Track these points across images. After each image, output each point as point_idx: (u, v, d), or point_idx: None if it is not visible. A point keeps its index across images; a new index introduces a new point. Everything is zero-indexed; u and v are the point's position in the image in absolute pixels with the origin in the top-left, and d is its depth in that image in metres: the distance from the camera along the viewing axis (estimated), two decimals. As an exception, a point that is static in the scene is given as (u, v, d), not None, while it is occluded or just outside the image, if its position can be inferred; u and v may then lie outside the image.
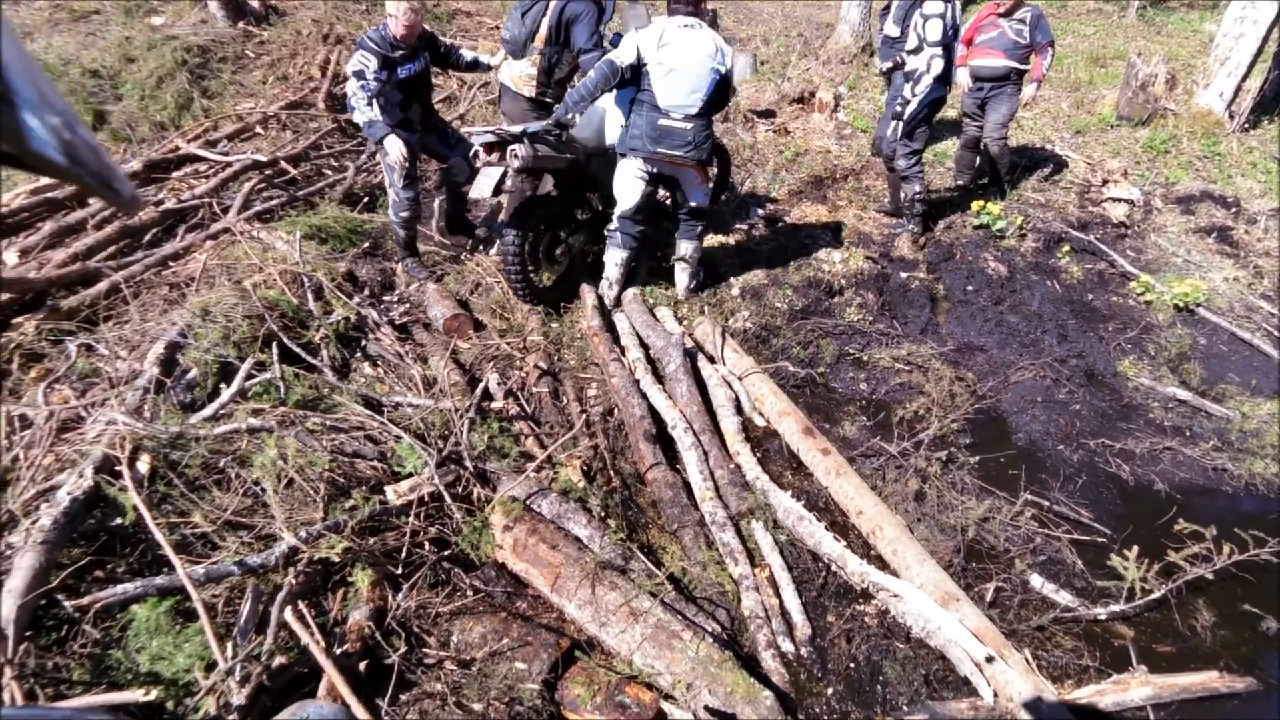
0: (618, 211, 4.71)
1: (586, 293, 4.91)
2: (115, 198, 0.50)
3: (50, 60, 6.93)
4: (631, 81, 4.34)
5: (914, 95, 5.52)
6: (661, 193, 5.04)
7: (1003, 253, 6.05)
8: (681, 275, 5.11)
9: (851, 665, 2.88)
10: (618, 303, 5.02)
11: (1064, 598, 3.15)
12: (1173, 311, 5.45)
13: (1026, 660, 2.76)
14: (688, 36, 4.22)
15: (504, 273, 4.75)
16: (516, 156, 4.19)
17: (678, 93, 4.26)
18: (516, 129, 4.33)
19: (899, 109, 5.67)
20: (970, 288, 5.60)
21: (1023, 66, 6.22)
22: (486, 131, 4.28)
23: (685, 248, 4.97)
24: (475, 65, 5.24)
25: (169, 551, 2.56)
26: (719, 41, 4.31)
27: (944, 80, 5.54)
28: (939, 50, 5.35)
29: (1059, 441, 4.16)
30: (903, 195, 6.12)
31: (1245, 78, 8.36)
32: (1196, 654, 2.99)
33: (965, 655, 2.75)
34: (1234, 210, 7.10)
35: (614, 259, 4.88)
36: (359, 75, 4.46)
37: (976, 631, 2.75)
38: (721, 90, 4.37)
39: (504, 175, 4.31)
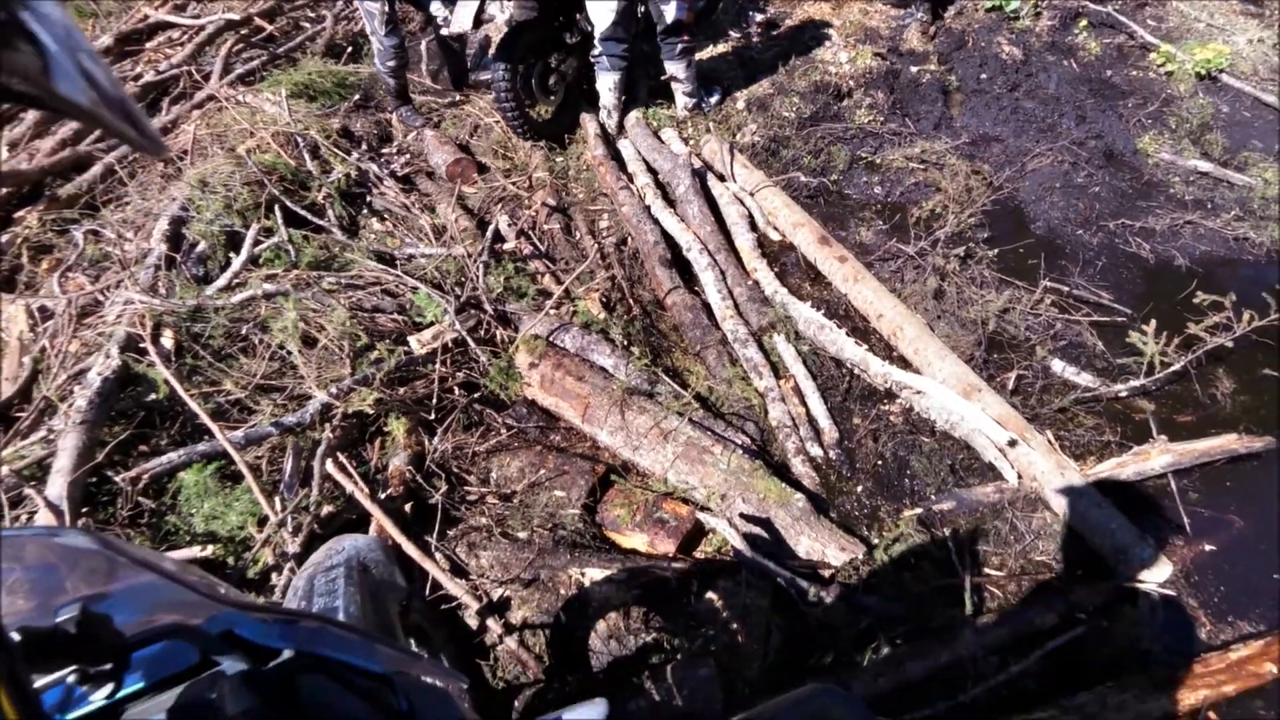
0: (598, 33, 4.46)
1: (588, 121, 4.74)
2: (140, 140, 0.49)
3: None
4: None
5: None
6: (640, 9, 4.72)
7: (1017, 35, 5.69)
8: (678, 94, 4.91)
9: (879, 463, 2.99)
10: (620, 129, 4.86)
11: (1085, 379, 3.20)
12: (1194, 81, 5.16)
13: (1049, 441, 2.84)
14: None
15: (499, 109, 4.57)
16: None
17: None
18: None
19: None
20: (984, 76, 5.32)
21: None
22: None
23: (674, 68, 4.74)
24: None
25: (205, 419, 2.65)
26: None
27: None
28: None
29: (1078, 226, 4.08)
30: None
31: None
32: (1216, 421, 3.05)
33: (989, 442, 2.85)
34: (1264, -37, 6.56)
35: (606, 84, 4.68)
36: None
37: (999, 419, 2.82)
38: None
39: (482, 3, 4.11)
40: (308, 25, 6.03)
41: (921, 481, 2.89)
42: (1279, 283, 3.31)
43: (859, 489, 2.91)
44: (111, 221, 3.83)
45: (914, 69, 5.39)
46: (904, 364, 3.24)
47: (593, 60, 4.66)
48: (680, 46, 4.61)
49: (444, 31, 4.61)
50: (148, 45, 5.49)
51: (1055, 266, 3.78)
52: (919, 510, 2.74)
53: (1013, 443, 2.74)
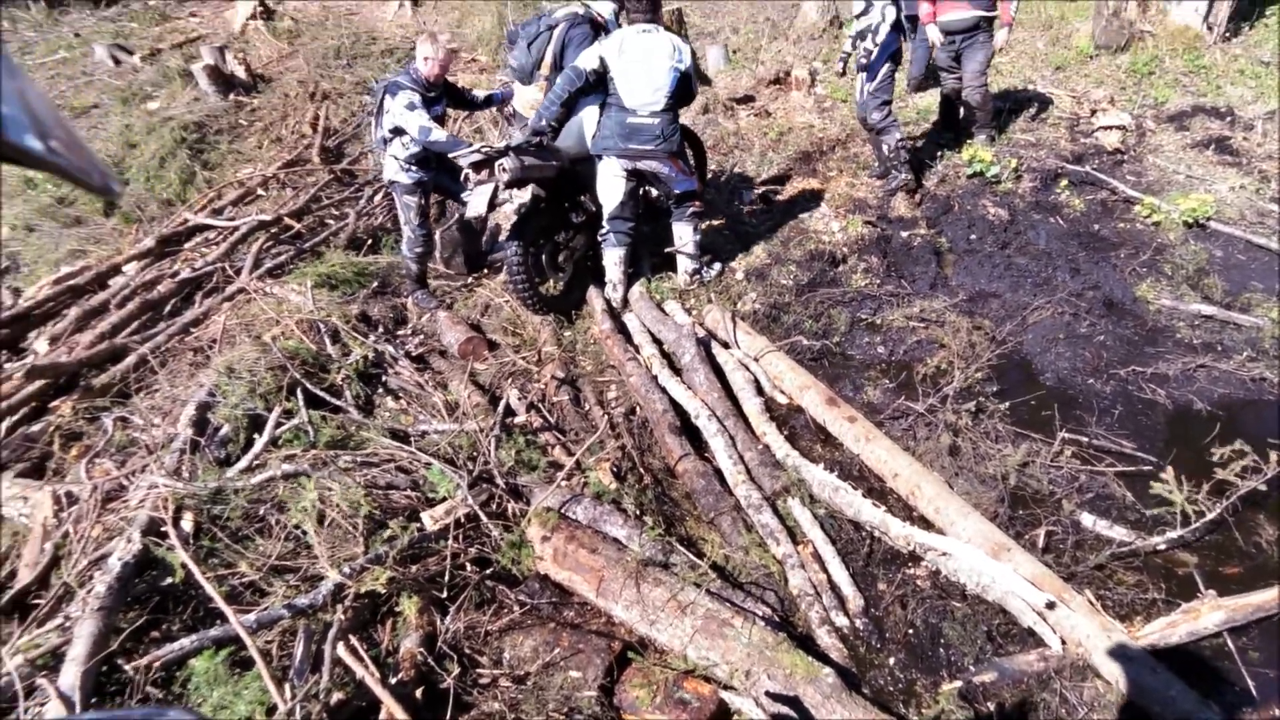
0: (605, 213, 4.83)
1: (594, 297, 4.92)
2: (93, 184, 0.50)
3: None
4: (598, 88, 4.56)
5: (875, 45, 5.59)
6: (654, 193, 5.12)
7: (1001, 197, 5.98)
8: (683, 261, 5.13)
9: (910, 631, 2.85)
10: (625, 302, 5.04)
11: (1118, 533, 3.09)
12: (1183, 229, 5.35)
13: (1090, 601, 2.71)
14: (646, 40, 4.47)
15: (511, 285, 4.82)
16: (504, 170, 4.33)
17: (642, 92, 4.48)
18: (500, 145, 4.51)
19: (863, 62, 5.71)
20: (973, 236, 5.54)
21: (991, 14, 6.14)
22: (472, 151, 4.47)
23: (682, 231, 5.01)
24: (490, 101, 5.43)
25: (220, 603, 2.61)
26: (676, 41, 4.53)
27: (898, 29, 5.63)
28: (886, 3, 5.49)
29: (1088, 375, 4.10)
30: (885, 149, 6.09)
31: (1217, -12, 8.22)
32: (1265, 571, 2.92)
33: (1025, 605, 2.71)
34: (1229, 120, 6.97)
35: (612, 259, 4.95)
36: (412, 106, 4.63)
37: (1033, 579, 2.71)
38: (684, 86, 4.57)
39: (495, 190, 4.44)
40: (332, 222, 6.43)
41: (958, 651, 2.74)
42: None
43: (891, 660, 2.75)
44: (141, 408, 3.94)
45: (904, 234, 5.62)
46: (925, 524, 3.16)
47: (600, 238, 4.95)
48: (690, 210, 4.94)
49: (465, 215, 4.88)
50: (186, 245, 5.86)
51: (1071, 417, 3.76)
52: (959, 683, 2.57)
53: (1051, 605, 2.61)
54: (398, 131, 4.78)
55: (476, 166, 4.43)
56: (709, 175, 6.18)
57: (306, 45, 9.12)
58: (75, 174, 0.47)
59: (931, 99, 7.81)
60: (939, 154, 6.68)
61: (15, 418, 4.01)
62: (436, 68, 4.74)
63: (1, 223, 6.00)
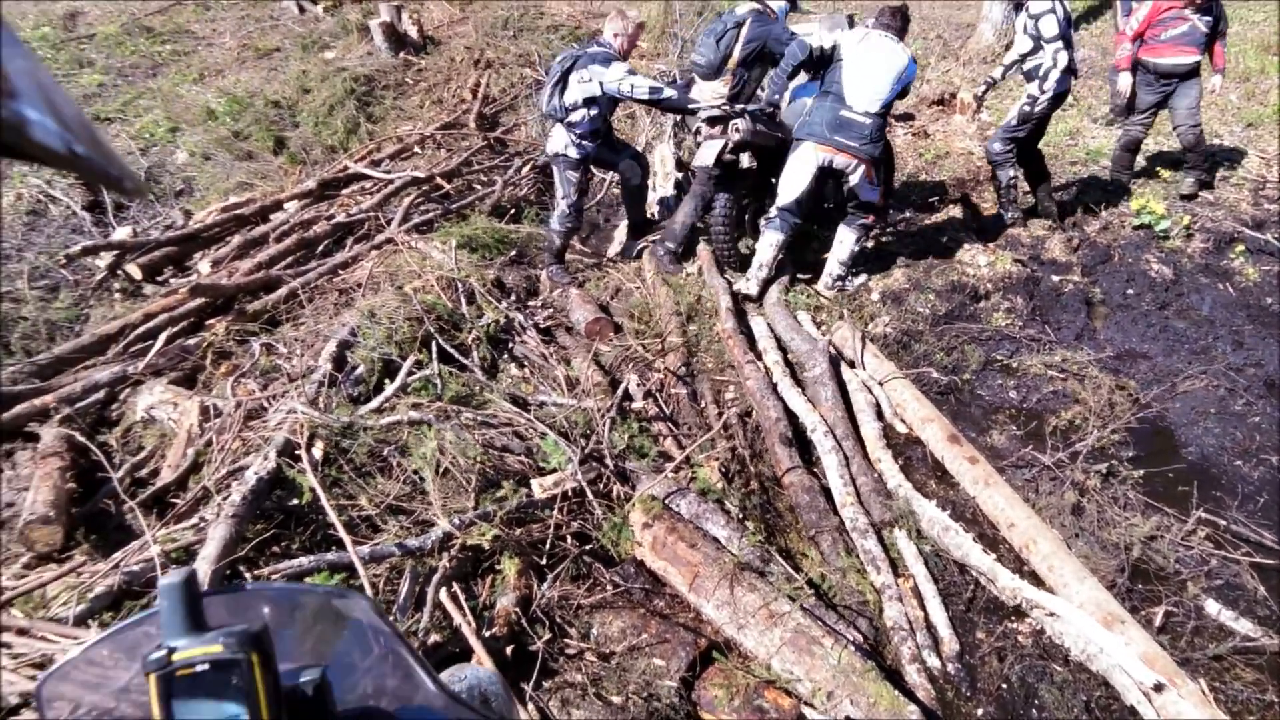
0: (779, 202, 4.94)
1: (720, 294, 4.92)
2: (117, 185, 0.50)
3: (239, 93, 7.64)
4: (818, 67, 4.75)
5: (1043, 92, 5.43)
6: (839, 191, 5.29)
7: (1167, 254, 5.63)
8: (832, 265, 5.17)
9: (1003, 686, 2.77)
10: (764, 287, 5.12)
11: (1244, 626, 2.90)
12: (1367, 314, 4.92)
13: (1202, 691, 2.56)
14: (887, 44, 4.67)
15: (713, 234, 5.21)
16: (738, 130, 4.69)
17: (864, 91, 4.62)
18: (738, 107, 4.87)
19: (1027, 108, 5.54)
20: (1131, 291, 5.25)
21: (1201, 57, 5.86)
22: (712, 107, 4.87)
23: (845, 236, 5.06)
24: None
25: (340, 530, 2.77)
26: (911, 58, 4.73)
27: (1070, 72, 5.44)
28: (1059, 44, 5.29)
29: (1236, 456, 3.84)
30: (1000, 181, 5.94)
31: None
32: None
33: (1131, 682, 2.59)
34: None
35: (770, 240, 5.03)
36: (632, 72, 4.87)
37: (1145, 657, 2.58)
38: (899, 98, 4.81)
39: (724, 147, 4.79)
40: (479, 187, 6.66)
41: (1051, 715, 2.64)
42: None
43: (979, 712, 2.68)
44: (287, 338, 4.22)
45: (1056, 278, 5.39)
46: (1036, 581, 3.04)
47: (764, 220, 5.14)
48: (861, 221, 5.04)
49: (695, 164, 5.27)
50: (343, 191, 6.21)
51: (1210, 497, 3.54)
52: (1048, 748, 2.49)
53: (1160, 687, 2.48)
54: (589, 103, 4.92)
55: (711, 121, 4.75)
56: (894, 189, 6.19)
57: (478, 13, 9.40)
58: (97, 173, 0.47)
59: (1104, 141, 7.45)
60: (1106, 201, 6.35)
61: (175, 329, 4.32)
62: (627, 43, 4.97)
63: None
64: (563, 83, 4.95)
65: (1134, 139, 6.44)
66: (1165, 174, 6.65)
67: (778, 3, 5.42)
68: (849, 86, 4.61)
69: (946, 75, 9.26)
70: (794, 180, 4.85)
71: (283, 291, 4.64)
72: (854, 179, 4.81)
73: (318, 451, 3.23)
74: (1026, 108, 5.52)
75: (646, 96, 4.85)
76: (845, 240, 5.06)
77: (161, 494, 3.19)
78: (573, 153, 5.08)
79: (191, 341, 4.22)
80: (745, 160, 5.08)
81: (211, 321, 4.40)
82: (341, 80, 7.75)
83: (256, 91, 7.78)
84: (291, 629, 0.83)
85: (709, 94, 5.32)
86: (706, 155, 4.84)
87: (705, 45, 5.41)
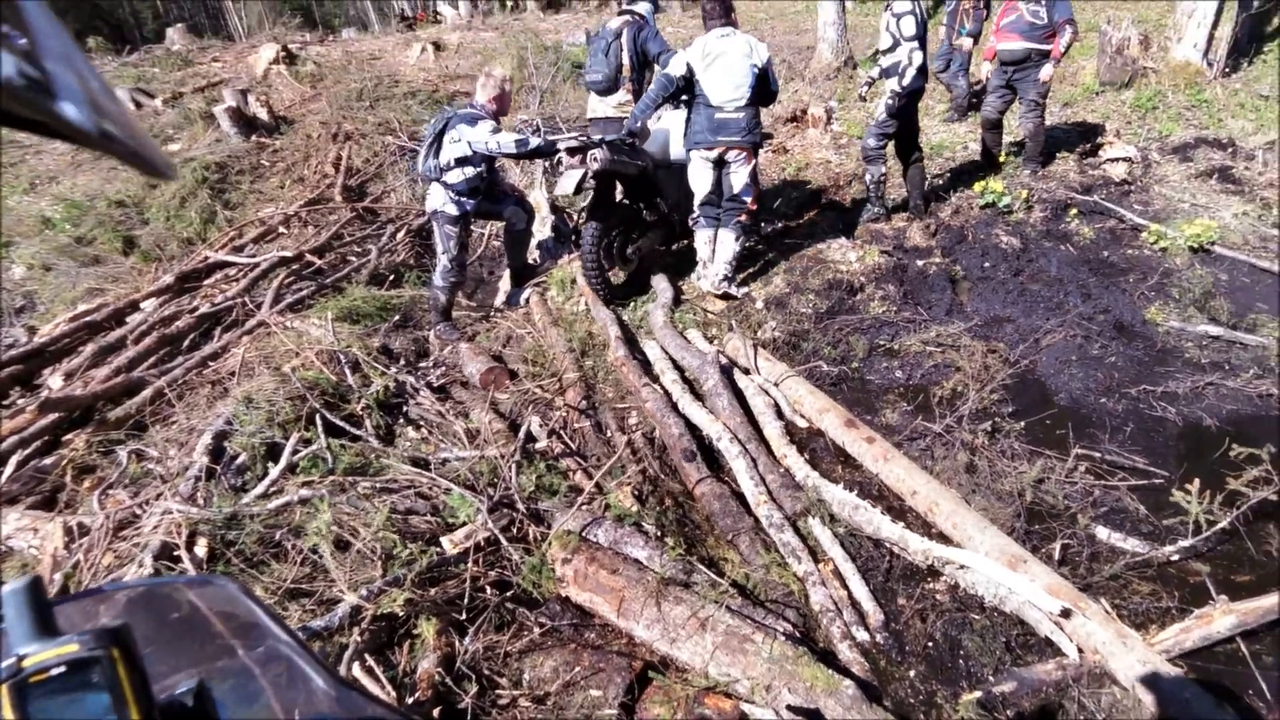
0: (696, 200, 5.27)
1: (609, 325, 4.97)
2: (148, 167, 0.49)
3: (76, 198, 7.27)
4: (687, 92, 5.00)
5: (901, 88, 5.71)
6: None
7: (1013, 226, 6.06)
8: (718, 266, 5.35)
9: (930, 644, 2.85)
10: (727, 282, 5.41)
11: (1132, 544, 3.10)
12: (1189, 254, 5.42)
13: (1105, 610, 2.71)
14: (725, 43, 4.88)
15: (582, 264, 5.29)
16: (595, 160, 4.82)
17: (725, 89, 4.88)
18: (597, 137, 5.06)
19: (890, 102, 5.83)
20: (987, 264, 5.60)
21: (1044, 47, 6.29)
22: (570, 138, 5.07)
23: (725, 237, 5.27)
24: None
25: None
26: (753, 41, 4.95)
27: (923, 73, 5.76)
28: (915, 44, 5.59)
29: (1101, 395, 4.13)
30: (868, 177, 6.27)
31: (1215, 26, 8.40)
32: (1275, 577, 2.92)
33: (1042, 615, 2.72)
34: (1230, 150, 7.10)
35: (703, 239, 5.39)
36: (496, 130, 4.93)
37: (1049, 589, 2.71)
38: (762, 82, 4.96)
39: (584, 176, 4.91)
40: (354, 259, 6.54)
41: (977, 662, 2.73)
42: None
43: (911, 673, 2.74)
44: (157, 440, 3.98)
45: (920, 262, 5.69)
46: (944, 539, 3.16)
47: (691, 223, 5.43)
48: (737, 219, 5.24)
49: (554, 192, 5.48)
50: (206, 282, 5.96)
51: (1084, 435, 3.78)
52: (979, 694, 2.56)
53: (1067, 613, 2.61)
54: (462, 162, 4.96)
55: (571, 151, 4.90)
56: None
57: (329, 88, 9.36)
58: (129, 156, 0.47)
59: (944, 137, 7.99)
60: (954, 187, 6.79)
61: (27, 451, 4.02)
62: (497, 103, 5.07)
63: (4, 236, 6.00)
64: (437, 143, 4.99)
65: (986, 117, 6.92)
66: (1008, 161, 7.18)
67: (643, 6, 5.86)
68: (711, 90, 4.90)
69: (796, 94, 9.76)
70: (700, 181, 5.18)
71: (147, 393, 4.39)
72: (736, 170, 5.10)
73: (201, 549, 3.06)
74: (890, 102, 5.80)
75: (514, 150, 4.92)
76: (726, 241, 5.28)
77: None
78: (451, 209, 5.10)
79: (48, 461, 3.95)
80: (615, 190, 5.30)
81: (69, 437, 4.13)
82: (191, 171, 7.52)
83: (97, 193, 7.45)
84: (160, 638, 0.79)
85: (614, 104, 5.81)
86: (566, 184, 4.98)
87: (596, 62, 5.80)
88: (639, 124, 5.11)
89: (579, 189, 4.99)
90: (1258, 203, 6.13)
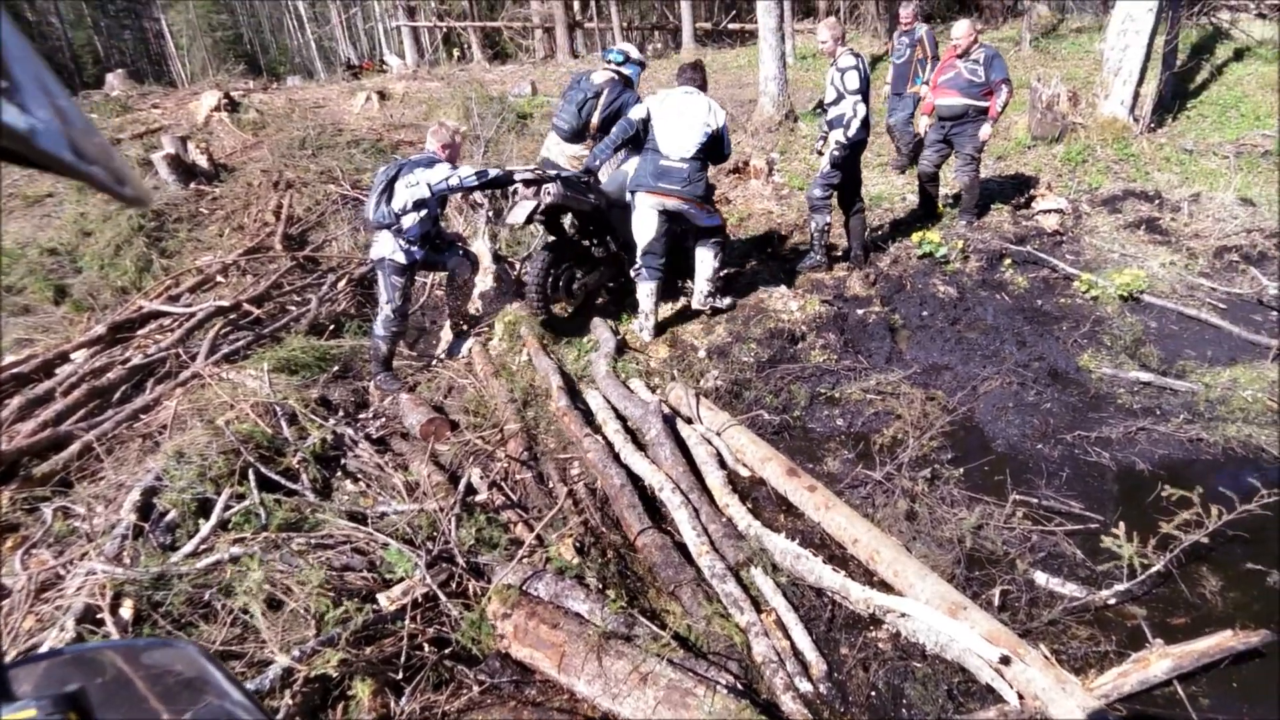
0: (640, 249, 5.42)
1: (551, 374, 4.94)
2: (124, 194, 0.49)
3: (7, 245, 7.06)
4: (644, 136, 5.28)
5: (847, 139, 5.87)
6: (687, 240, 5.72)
7: (950, 276, 6.23)
8: (700, 284, 5.61)
9: (873, 693, 2.83)
10: (657, 332, 5.65)
11: (1070, 589, 3.14)
12: (1119, 302, 5.62)
13: (1045, 656, 2.72)
14: (687, 100, 5.22)
15: (529, 294, 5.49)
16: (549, 193, 5.00)
17: (675, 140, 5.16)
18: (553, 172, 5.24)
19: (836, 153, 5.97)
20: (925, 313, 5.74)
21: (981, 104, 6.55)
22: (527, 170, 5.22)
23: (704, 255, 5.56)
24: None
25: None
26: (714, 105, 5.27)
27: (865, 125, 5.93)
28: (858, 97, 5.77)
29: (1036, 441, 4.22)
30: (812, 225, 6.42)
31: (1140, 83, 8.84)
32: (1210, 619, 2.98)
33: (982, 662, 2.72)
34: (1157, 202, 7.43)
35: (644, 291, 5.52)
36: (451, 170, 5.00)
37: (989, 636, 2.72)
38: (714, 143, 5.25)
39: (536, 207, 5.07)
40: (293, 308, 6.41)
41: (919, 710, 2.72)
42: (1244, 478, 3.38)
43: (854, 723, 2.72)
44: (83, 496, 3.82)
45: (860, 311, 5.80)
46: (885, 588, 3.17)
47: (634, 273, 5.56)
48: (714, 239, 5.53)
49: (506, 220, 5.48)
50: (139, 332, 5.78)
51: (1022, 480, 3.85)
52: (920, 743, 2.55)
53: (1006, 660, 2.62)
54: (419, 205, 4.98)
55: (527, 183, 5.07)
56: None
57: (271, 135, 9.27)
58: (102, 183, 0.47)
59: (883, 188, 8.23)
60: (893, 237, 6.98)
61: (-53, 511, 3.84)
62: (451, 151, 5.15)
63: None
64: (388, 191, 4.97)
65: (923, 171, 7.15)
66: (944, 212, 7.41)
67: (630, 69, 6.06)
68: (662, 139, 5.16)
69: (739, 146, 9.97)
70: (642, 230, 5.36)
71: (75, 448, 4.22)
72: (690, 214, 5.34)
73: (126, 611, 2.93)
74: (836, 153, 5.95)
75: (475, 181, 5.00)
76: (705, 259, 5.55)
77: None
78: (400, 258, 5.07)
79: (-33, 520, 3.75)
80: (566, 223, 5.55)
81: (-9, 494, 3.93)
82: (126, 219, 7.35)
83: (29, 241, 7.24)
84: (115, 701, 0.77)
85: (570, 153, 6.00)
86: (519, 214, 5.13)
87: (567, 112, 5.98)
88: (598, 163, 5.38)
89: (530, 219, 5.16)
90: (1184, 252, 6.42)
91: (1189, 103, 9.70)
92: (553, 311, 5.62)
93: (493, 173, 5.07)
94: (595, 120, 5.87)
